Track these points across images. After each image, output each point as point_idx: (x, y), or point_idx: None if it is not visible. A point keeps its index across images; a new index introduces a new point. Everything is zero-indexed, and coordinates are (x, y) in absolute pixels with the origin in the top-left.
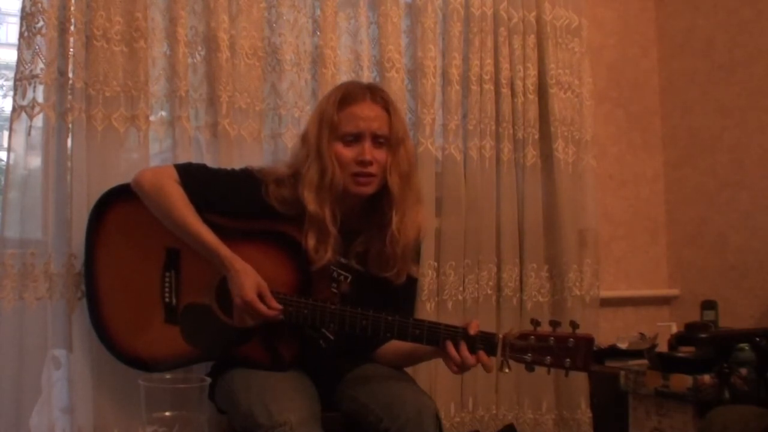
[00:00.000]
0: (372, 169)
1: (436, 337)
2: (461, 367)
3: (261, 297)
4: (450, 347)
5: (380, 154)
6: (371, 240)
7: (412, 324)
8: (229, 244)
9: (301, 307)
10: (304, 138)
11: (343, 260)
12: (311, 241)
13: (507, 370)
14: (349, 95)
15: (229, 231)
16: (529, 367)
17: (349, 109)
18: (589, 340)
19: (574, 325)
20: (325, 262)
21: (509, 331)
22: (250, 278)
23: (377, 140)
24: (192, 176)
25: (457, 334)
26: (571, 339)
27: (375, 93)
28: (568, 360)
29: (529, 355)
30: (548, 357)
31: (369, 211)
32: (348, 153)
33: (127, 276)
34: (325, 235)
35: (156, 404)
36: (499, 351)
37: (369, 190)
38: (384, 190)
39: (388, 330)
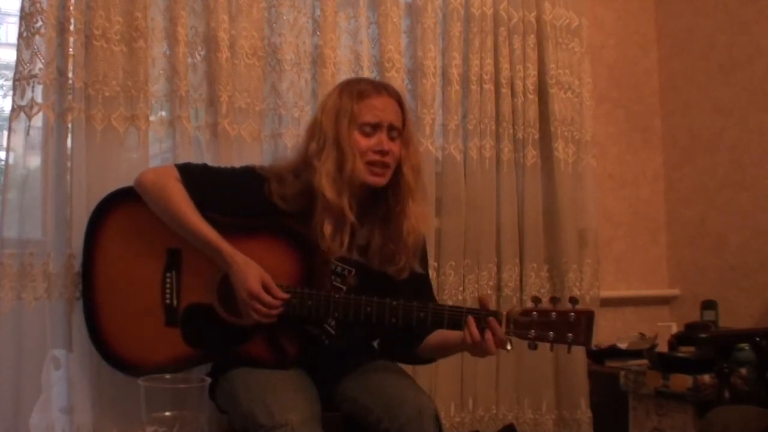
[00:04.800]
0: (388, 160)
1: (441, 319)
2: (479, 347)
3: (265, 288)
4: (472, 327)
5: (395, 146)
6: (373, 234)
7: (416, 307)
8: (230, 239)
9: (305, 298)
10: (315, 132)
11: (345, 254)
12: (328, 228)
13: (509, 348)
14: (365, 89)
15: (231, 227)
16: (532, 344)
17: (368, 100)
18: (589, 314)
19: (573, 301)
20: (341, 251)
21: (512, 308)
22: (253, 270)
23: (392, 133)
24: (193, 175)
25: (462, 313)
26: (572, 314)
27: (388, 87)
28: (570, 335)
29: (533, 331)
30: (551, 332)
31: (371, 205)
32: (365, 142)
33: (126, 282)
34: (343, 223)
35: (156, 404)
36: (503, 328)
37: (383, 181)
38: (391, 184)
39: (393, 315)
